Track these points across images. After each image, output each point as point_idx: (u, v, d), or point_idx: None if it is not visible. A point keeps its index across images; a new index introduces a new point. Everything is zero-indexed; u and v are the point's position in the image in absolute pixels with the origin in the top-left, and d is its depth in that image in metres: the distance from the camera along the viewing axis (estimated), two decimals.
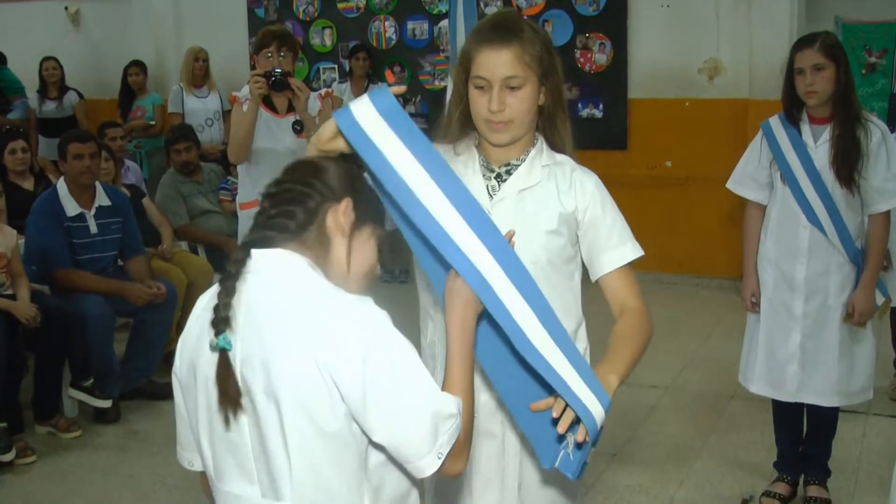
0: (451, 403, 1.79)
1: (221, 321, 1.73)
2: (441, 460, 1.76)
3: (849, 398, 4.03)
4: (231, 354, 1.74)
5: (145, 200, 6.51)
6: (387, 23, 8.97)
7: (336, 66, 9.24)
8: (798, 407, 4.13)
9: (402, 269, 8.05)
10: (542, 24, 8.19)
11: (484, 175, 2.40)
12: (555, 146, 2.42)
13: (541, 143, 2.41)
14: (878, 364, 4.15)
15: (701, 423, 5.11)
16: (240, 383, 1.74)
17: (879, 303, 3.93)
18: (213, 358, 1.76)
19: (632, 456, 4.70)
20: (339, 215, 1.84)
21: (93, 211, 5.45)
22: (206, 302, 1.85)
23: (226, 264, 1.80)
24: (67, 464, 4.85)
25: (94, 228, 5.44)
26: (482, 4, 8.35)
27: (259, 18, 9.37)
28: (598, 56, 8.12)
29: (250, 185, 4.92)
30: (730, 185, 4.15)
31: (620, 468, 4.56)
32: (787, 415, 4.18)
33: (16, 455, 4.75)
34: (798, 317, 3.95)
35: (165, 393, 5.65)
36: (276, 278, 1.78)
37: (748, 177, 4.06)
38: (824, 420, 4.12)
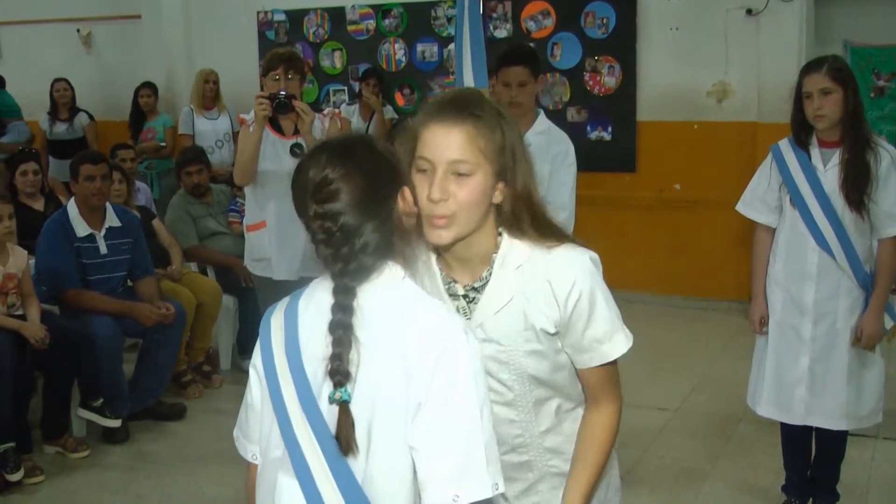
0: (483, 473, 1.80)
1: (343, 375, 1.78)
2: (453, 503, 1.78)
3: (857, 422, 4.01)
4: (351, 403, 1.79)
5: (155, 222, 6.54)
6: (396, 45, 9.01)
7: (346, 89, 9.28)
8: (807, 430, 4.12)
9: None
10: (552, 46, 8.23)
11: (451, 296, 2.17)
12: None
13: (506, 238, 2.11)
14: (887, 388, 4.12)
15: (709, 445, 5.09)
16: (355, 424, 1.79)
17: (888, 327, 3.93)
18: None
19: (640, 478, 4.68)
20: (406, 204, 1.90)
21: (103, 232, 5.47)
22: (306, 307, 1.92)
23: (333, 308, 1.81)
24: (76, 484, 4.85)
25: (103, 249, 5.46)
26: (491, 27, 8.39)
27: (269, 41, 9.42)
28: (607, 79, 8.14)
29: (256, 208, 4.92)
30: (739, 207, 4.15)
31: (629, 491, 4.51)
32: (795, 438, 4.17)
33: (24, 475, 4.76)
34: (806, 340, 3.94)
35: (174, 413, 5.68)
36: (379, 304, 1.84)
37: (757, 199, 4.06)
38: (833, 443, 4.11)
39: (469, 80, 4.33)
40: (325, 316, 1.82)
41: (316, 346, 1.83)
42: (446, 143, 1.99)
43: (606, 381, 2.20)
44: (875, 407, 4.03)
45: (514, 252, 2.11)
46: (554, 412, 2.26)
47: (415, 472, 1.83)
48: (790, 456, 4.23)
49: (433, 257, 2.17)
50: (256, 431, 1.99)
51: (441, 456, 1.79)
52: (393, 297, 1.86)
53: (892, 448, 4.97)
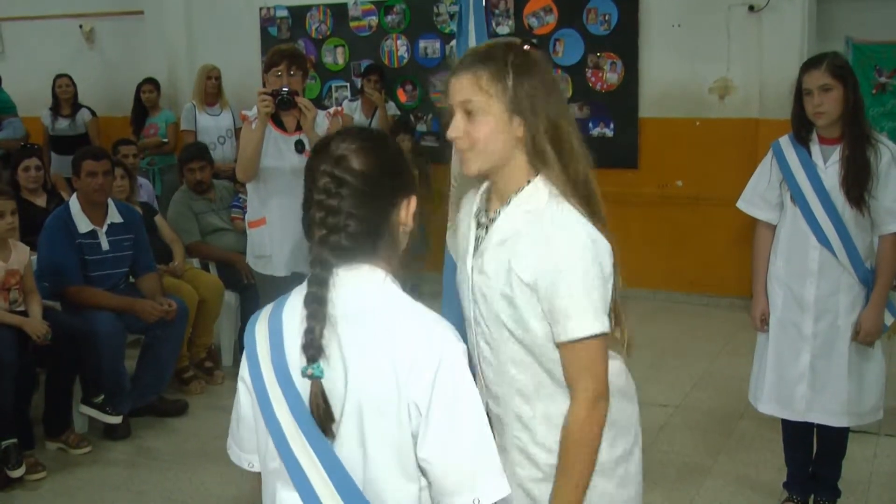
0: (498, 472, 1.86)
1: (316, 349, 1.78)
2: None
3: (858, 418, 4.01)
4: (323, 381, 1.79)
5: (157, 218, 6.54)
6: (399, 41, 9.01)
7: (348, 85, 9.28)
8: (808, 427, 4.13)
9: (411, 285, 8.05)
10: (554, 43, 8.22)
11: (478, 225, 2.37)
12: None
13: (535, 182, 2.26)
14: (888, 385, 4.13)
15: (711, 442, 5.10)
16: (331, 404, 1.81)
17: (888, 323, 3.93)
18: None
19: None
20: (408, 215, 1.95)
21: (105, 228, 5.47)
22: (288, 313, 1.92)
23: (309, 282, 1.82)
24: (77, 480, 4.86)
25: (105, 245, 5.47)
26: (494, 24, 8.38)
27: (272, 37, 9.42)
28: (610, 75, 8.14)
29: (258, 204, 4.93)
30: (740, 204, 4.15)
31: None
32: (796, 434, 4.17)
33: (26, 471, 4.77)
34: (808, 337, 3.94)
35: (176, 410, 5.69)
36: (362, 299, 1.85)
37: (758, 196, 4.06)
38: (834, 440, 4.11)
39: None
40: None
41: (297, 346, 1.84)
42: (456, 87, 2.23)
43: (578, 366, 2.21)
44: (876, 404, 4.03)
45: (534, 197, 2.25)
46: (531, 382, 2.29)
47: (419, 475, 1.85)
48: (791, 452, 4.24)
49: (485, 185, 2.40)
50: (250, 441, 2.01)
51: (456, 464, 1.83)
52: (376, 294, 1.87)
53: (893, 445, 4.98)
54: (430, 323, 1.87)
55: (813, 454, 4.22)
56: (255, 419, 1.95)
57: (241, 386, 1.99)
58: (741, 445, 5.05)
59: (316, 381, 1.78)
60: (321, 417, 1.80)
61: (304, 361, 1.79)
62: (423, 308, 1.91)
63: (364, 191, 1.84)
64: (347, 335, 1.81)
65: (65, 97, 9.23)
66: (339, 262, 1.83)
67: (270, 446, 1.88)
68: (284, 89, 4.68)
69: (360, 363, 1.81)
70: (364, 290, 1.86)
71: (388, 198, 1.89)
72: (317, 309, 1.79)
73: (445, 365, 1.81)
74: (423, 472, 1.85)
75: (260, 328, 1.94)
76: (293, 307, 1.90)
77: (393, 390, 1.79)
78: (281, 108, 4.69)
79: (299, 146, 4.73)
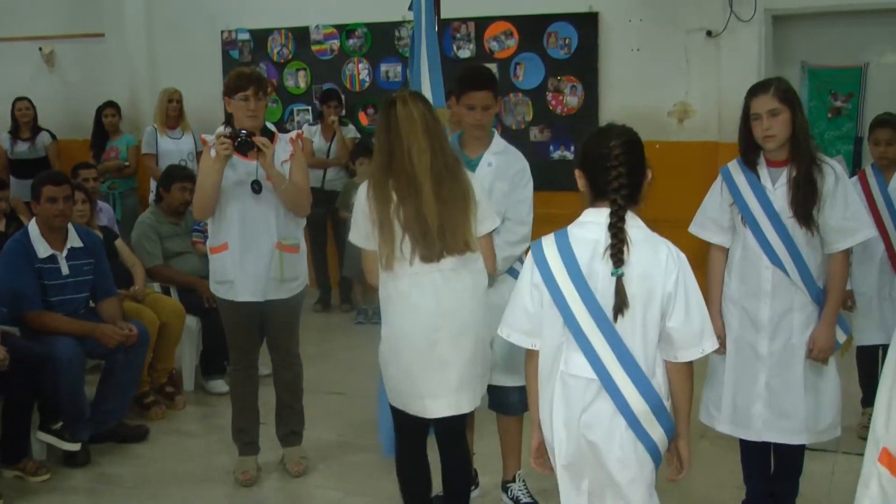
0: (712, 333, 2.98)
1: (620, 259, 2.83)
2: (700, 354, 2.95)
3: (816, 436, 4.06)
4: (623, 279, 2.83)
5: (118, 242, 6.50)
6: (360, 65, 9.05)
7: (310, 108, 9.30)
8: (766, 445, 4.16)
9: (374, 309, 8.05)
10: (515, 67, 8.31)
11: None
12: None
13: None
14: (845, 402, 4.17)
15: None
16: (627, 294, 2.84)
17: (841, 340, 3.99)
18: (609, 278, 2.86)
19: None
20: (652, 178, 3.03)
21: (64, 252, 5.43)
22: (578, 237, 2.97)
23: (611, 220, 2.88)
24: None
25: (65, 270, 5.43)
26: (455, 47, 8.45)
27: (234, 60, 9.43)
28: (570, 98, 8.22)
29: (219, 230, 4.83)
30: (692, 229, 4.21)
31: None
32: (754, 453, 4.21)
33: None
34: (763, 356, 3.99)
35: (136, 435, 5.63)
36: (633, 229, 2.91)
37: (710, 220, 4.13)
38: (790, 458, 4.15)
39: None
40: (596, 237, 2.88)
41: (588, 261, 2.88)
42: None
43: None
44: (833, 421, 4.07)
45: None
46: None
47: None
48: (749, 471, 4.27)
49: None
50: (532, 328, 3.00)
51: (691, 327, 2.90)
52: (639, 227, 2.93)
53: (852, 462, 5.02)
54: (669, 244, 2.95)
55: (771, 472, 4.26)
56: (539, 312, 2.96)
57: (533, 291, 2.98)
58: (700, 465, 5.04)
59: (619, 279, 2.82)
60: (620, 304, 2.83)
61: (608, 266, 2.84)
62: (661, 238, 2.97)
63: (636, 162, 2.95)
64: (637, 254, 2.85)
65: (24, 120, 9.17)
66: (627, 205, 2.88)
67: (556, 330, 2.93)
68: (243, 132, 4.63)
69: (636, 269, 2.84)
70: (633, 224, 2.90)
71: (644, 166, 2.98)
72: (618, 232, 2.85)
73: (683, 269, 2.90)
74: (669, 338, 2.90)
75: (548, 250, 2.95)
76: (577, 236, 2.94)
77: (657, 286, 2.86)
78: (240, 152, 4.65)
79: (255, 187, 4.69)
